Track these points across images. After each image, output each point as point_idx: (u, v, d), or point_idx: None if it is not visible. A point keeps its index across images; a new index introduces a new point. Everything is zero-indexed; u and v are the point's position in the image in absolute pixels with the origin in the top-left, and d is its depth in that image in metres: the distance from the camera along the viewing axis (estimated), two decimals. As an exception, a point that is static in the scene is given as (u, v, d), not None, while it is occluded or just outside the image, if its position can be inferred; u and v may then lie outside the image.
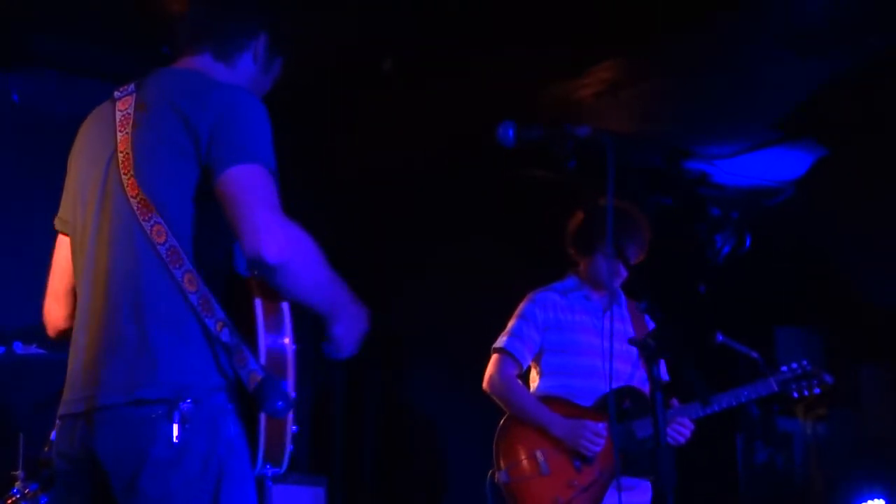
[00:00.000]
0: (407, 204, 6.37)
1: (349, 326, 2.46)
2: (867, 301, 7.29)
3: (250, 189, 2.21)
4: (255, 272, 2.25)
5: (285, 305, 2.27)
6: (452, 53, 5.14)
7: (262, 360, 2.23)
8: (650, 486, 4.12)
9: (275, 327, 2.26)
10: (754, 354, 4.34)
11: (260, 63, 2.57)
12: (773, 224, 6.97)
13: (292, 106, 5.47)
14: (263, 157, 2.28)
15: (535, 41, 5.00)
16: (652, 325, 4.34)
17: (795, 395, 4.21)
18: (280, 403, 2.19)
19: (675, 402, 4.10)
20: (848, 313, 7.30)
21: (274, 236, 2.16)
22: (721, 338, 4.40)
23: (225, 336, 2.22)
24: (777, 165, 6.46)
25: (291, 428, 2.31)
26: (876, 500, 6.91)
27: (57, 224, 2.58)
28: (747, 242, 6.85)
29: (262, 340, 2.24)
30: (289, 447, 2.30)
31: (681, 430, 4.05)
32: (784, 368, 4.22)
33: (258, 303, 2.25)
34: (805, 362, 4.22)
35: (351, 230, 6.34)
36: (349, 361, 6.99)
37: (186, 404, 2.20)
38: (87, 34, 4.96)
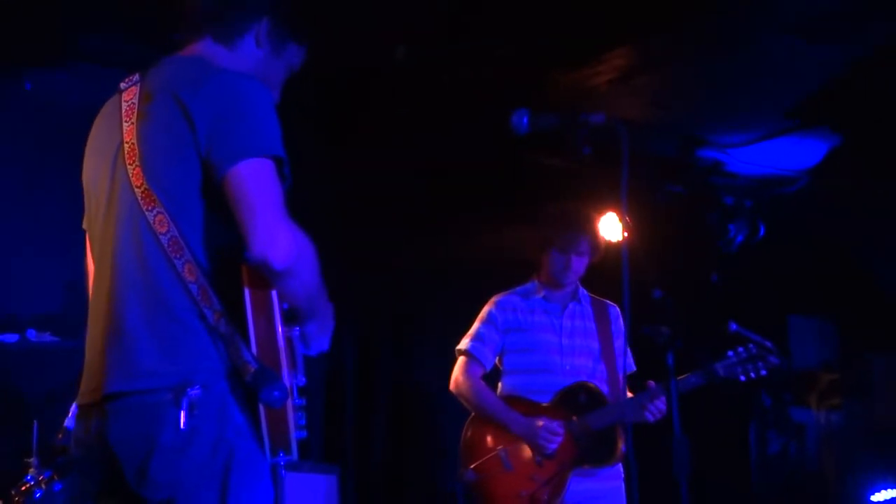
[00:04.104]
0: (419, 190, 6.37)
1: (322, 325, 2.52)
2: (881, 290, 7.26)
3: (253, 190, 2.22)
4: (247, 263, 2.25)
5: (274, 293, 2.28)
6: (466, 40, 5.12)
7: (254, 349, 2.24)
8: (610, 471, 4.32)
9: (264, 317, 2.27)
10: (768, 343, 4.35)
11: (265, 48, 2.55)
12: (786, 213, 6.95)
13: (304, 94, 5.47)
14: (266, 146, 2.27)
15: (549, 28, 4.99)
16: (615, 320, 4.44)
17: (742, 378, 4.27)
18: (276, 393, 2.20)
19: (651, 383, 4.25)
20: (861, 302, 7.28)
21: (279, 243, 2.19)
22: (734, 327, 4.41)
23: (222, 326, 2.25)
24: (791, 154, 6.44)
25: (294, 415, 2.32)
26: (888, 489, 6.90)
27: (84, 223, 2.59)
28: (760, 231, 6.84)
29: (252, 331, 2.25)
30: (294, 434, 2.30)
31: (662, 407, 4.19)
32: (730, 353, 4.27)
33: (247, 292, 2.26)
34: (751, 345, 4.27)
35: (363, 217, 6.34)
36: (361, 349, 6.98)
37: (195, 390, 2.21)
38: (99, 24, 4.96)
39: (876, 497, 6.93)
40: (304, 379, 2.47)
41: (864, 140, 6.13)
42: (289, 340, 2.40)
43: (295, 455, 2.31)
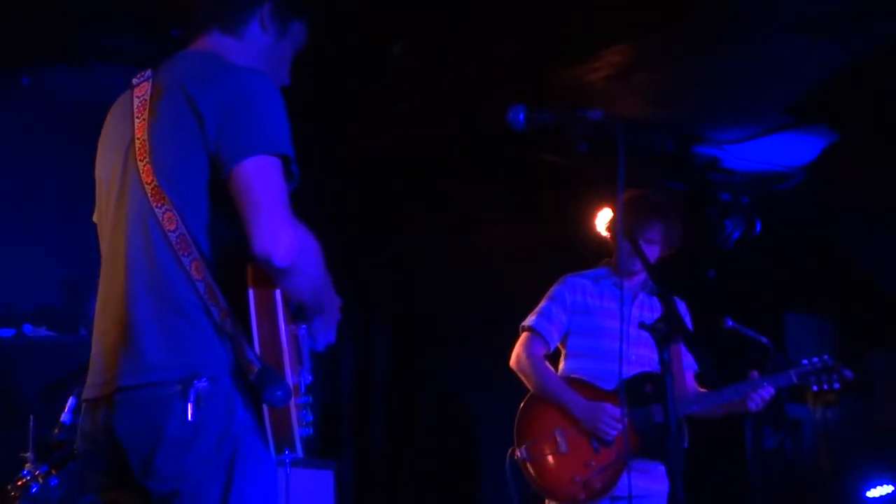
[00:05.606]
0: (419, 188, 6.37)
1: (328, 319, 2.53)
2: (878, 287, 7.27)
3: (258, 188, 2.23)
4: (252, 261, 2.26)
5: (278, 293, 2.28)
6: (463, 36, 5.13)
7: (257, 349, 2.26)
8: (663, 471, 4.18)
9: (268, 316, 2.27)
10: (764, 340, 4.35)
11: (271, 32, 2.56)
12: (783, 209, 6.95)
13: (304, 90, 5.46)
14: (273, 143, 2.28)
15: (547, 25, 4.99)
16: (683, 316, 4.37)
17: (815, 388, 4.24)
18: (279, 393, 2.22)
19: (754, 373, 4.19)
20: (859, 299, 7.29)
21: (282, 241, 2.19)
22: (730, 323, 4.41)
23: (228, 325, 2.26)
24: (788, 150, 6.44)
25: (300, 413, 2.33)
26: (884, 486, 6.91)
27: (94, 216, 2.60)
28: (757, 228, 6.84)
29: (256, 330, 2.27)
30: (298, 432, 2.31)
31: (766, 396, 4.15)
32: (805, 362, 4.23)
33: (251, 292, 2.27)
34: (826, 357, 4.23)
35: (361, 212, 6.34)
36: (357, 344, 6.97)
37: (202, 383, 2.23)
38: (98, 20, 4.96)
39: (871, 493, 6.94)
40: (310, 376, 2.48)
41: (860, 137, 6.13)
42: (294, 338, 2.40)
43: (300, 453, 2.32)
